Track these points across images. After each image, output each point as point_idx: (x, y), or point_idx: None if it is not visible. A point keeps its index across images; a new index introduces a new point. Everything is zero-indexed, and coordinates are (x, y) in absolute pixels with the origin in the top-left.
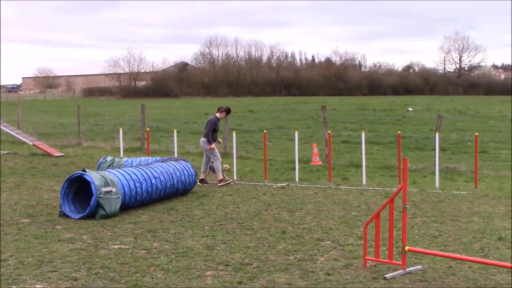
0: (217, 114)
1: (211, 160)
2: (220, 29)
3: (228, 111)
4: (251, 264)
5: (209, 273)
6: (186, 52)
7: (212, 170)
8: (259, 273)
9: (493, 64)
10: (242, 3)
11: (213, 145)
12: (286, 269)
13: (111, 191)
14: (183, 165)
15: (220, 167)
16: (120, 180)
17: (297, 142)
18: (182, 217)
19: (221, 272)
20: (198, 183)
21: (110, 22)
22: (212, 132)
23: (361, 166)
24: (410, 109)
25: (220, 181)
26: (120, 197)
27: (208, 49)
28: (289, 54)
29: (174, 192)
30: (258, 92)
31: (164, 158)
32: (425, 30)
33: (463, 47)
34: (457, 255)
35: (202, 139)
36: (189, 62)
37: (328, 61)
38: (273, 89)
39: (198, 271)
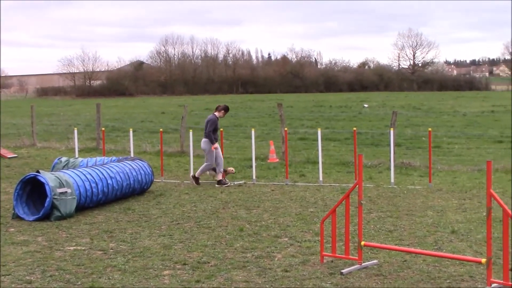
0: (216, 113)
1: (208, 160)
2: (175, 28)
3: (226, 109)
4: (208, 263)
5: (166, 272)
6: (142, 51)
7: (214, 170)
8: (217, 271)
9: (446, 61)
10: (197, 2)
11: (217, 145)
12: (243, 267)
13: (66, 192)
14: (139, 165)
15: (208, 169)
16: (75, 180)
17: (254, 140)
18: (139, 216)
19: (179, 271)
20: (216, 185)
21: (62, 21)
22: (213, 132)
23: (318, 162)
24: (366, 105)
25: (196, 179)
26: (75, 198)
27: (164, 47)
28: (245, 52)
29: (131, 191)
30: (214, 90)
31: (120, 157)
32: (379, 27)
33: (417, 44)
34: (412, 249)
35: (204, 139)
36: (145, 61)
37: (284, 58)
38: (230, 87)
39: (155, 270)
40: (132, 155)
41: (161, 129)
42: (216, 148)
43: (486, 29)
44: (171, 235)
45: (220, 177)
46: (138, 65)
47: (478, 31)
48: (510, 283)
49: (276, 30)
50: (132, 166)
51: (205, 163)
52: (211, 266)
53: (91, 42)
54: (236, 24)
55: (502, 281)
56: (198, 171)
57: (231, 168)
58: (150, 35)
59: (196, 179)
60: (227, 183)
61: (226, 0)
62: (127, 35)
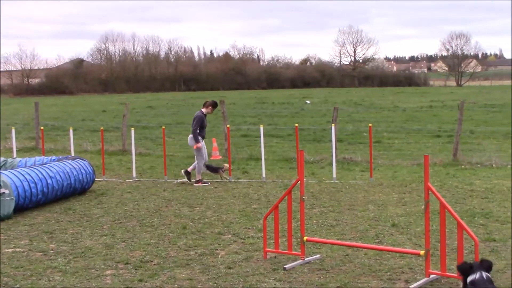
0: (203, 110)
1: (197, 158)
2: (115, 25)
3: (214, 104)
4: (151, 261)
5: (108, 272)
6: (82, 48)
7: (211, 169)
8: (160, 269)
9: (386, 57)
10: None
11: (200, 144)
12: (187, 265)
13: (3, 193)
14: (80, 164)
15: (202, 168)
16: (13, 181)
17: None
18: (80, 216)
19: (121, 270)
20: (195, 184)
21: None
22: (199, 129)
23: (261, 159)
24: (308, 101)
25: (198, 181)
26: (14, 199)
27: (105, 45)
28: (188, 49)
29: (72, 191)
30: (157, 88)
31: (61, 157)
32: (321, 24)
33: (357, 41)
34: (354, 243)
35: (190, 136)
36: (85, 58)
37: (227, 55)
38: (172, 84)
39: (97, 270)
40: (72, 154)
41: (102, 128)
42: (198, 147)
43: (423, 27)
44: (113, 234)
45: (198, 177)
46: (78, 63)
47: (415, 28)
48: (447, 273)
49: (217, 27)
50: (72, 166)
51: (197, 163)
52: (154, 264)
53: (28, 39)
54: (177, 21)
55: (440, 272)
56: (196, 173)
57: (226, 165)
58: (89, 32)
59: (198, 181)
60: (207, 183)
61: None
62: (66, 32)
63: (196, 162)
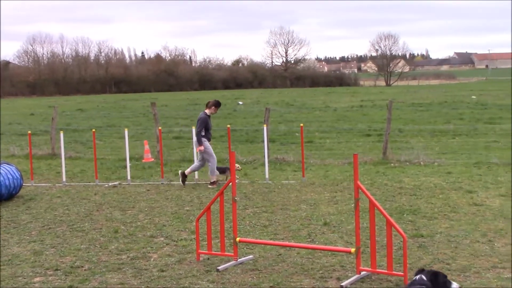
0: (207, 111)
1: (209, 160)
2: (42, 26)
3: (217, 104)
4: (82, 267)
5: (37, 279)
6: (8, 50)
7: (219, 170)
8: (91, 275)
9: (317, 57)
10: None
11: (203, 147)
12: (118, 269)
13: None
14: (7, 169)
15: (215, 168)
16: None
17: (128, 140)
18: (7, 223)
19: (50, 277)
20: (182, 183)
21: None
22: (204, 131)
23: (193, 161)
24: (240, 102)
25: (213, 183)
26: None
27: (32, 46)
28: (118, 51)
29: None
30: (87, 90)
31: None
32: (252, 25)
33: (288, 41)
34: (286, 243)
35: (194, 139)
36: (11, 61)
37: (158, 57)
38: (103, 86)
39: (25, 278)
40: None
41: (29, 131)
42: (200, 150)
43: (352, 27)
44: (42, 240)
45: (187, 172)
46: (4, 65)
47: (346, 29)
48: (377, 270)
49: (148, 28)
50: None
51: (209, 164)
52: (85, 270)
53: None
54: (106, 22)
55: (370, 269)
56: (211, 175)
57: (238, 165)
58: (14, 33)
59: (212, 183)
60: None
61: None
62: None
63: (195, 164)
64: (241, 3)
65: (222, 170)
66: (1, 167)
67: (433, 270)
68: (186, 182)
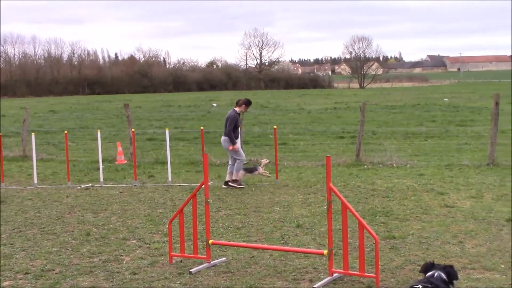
0: (236, 109)
1: (236, 159)
2: (12, 26)
3: (247, 103)
4: (53, 270)
5: (6, 283)
6: None
7: (247, 171)
8: (62, 278)
9: (291, 60)
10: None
11: (237, 146)
12: (90, 272)
13: None
14: None
15: (242, 167)
16: None
17: (100, 142)
18: None
19: (20, 281)
20: (223, 186)
21: None
22: (233, 130)
23: (167, 163)
24: (215, 104)
25: (235, 181)
26: None
27: (3, 47)
28: (92, 52)
29: None
30: (59, 91)
31: None
32: (226, 26)
33: (263, 43)
34: (259, 245)
35: (224, 137)
36: None
37: (132, 58)
38: (76, 87)
39: None
40: None
41: (0, 133)
42: (234, 149)
43: (326, 30)
44: (12, 243)
45: (228, 178)
46: None
47: (320, 32)
48: (350, 271)
49: (121, 29)
50: None
51: (236, 163)
52: (56, 273)
53: None
54: (79, 23)
55: (342, 270)
56: (235, 173)
57: (266, 160)
58: None
59: (234, 181)
60: (242, 185)
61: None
62: None
63: (230, 166)
64: (215, 3)
65: (249, 170)
66: None
67: (447, 266)
68: (241, 184)
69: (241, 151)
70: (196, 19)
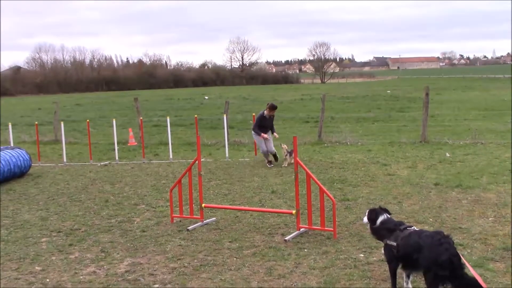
0: (265, 112)
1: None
2: (41, 39)
3: (271, 107)
4: (80, 229)
5: (44, 239)
6: (19, 58)
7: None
8: (87, 235)
9: (267, 61)
10: (57, 17)
11: (265, 135)
12: (109, 230)
13: None
14: (18, 152)
15: (264, 154)
16: None
17: (115, 128)
18: (19, 195)
19: (55, 238)
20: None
21: None
22: (259, 127)
23: (168, 144)
24: (206, 97)
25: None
26: None
27: (38, 54)
28: (108, 57)
29: (12, 175)
30: (83, 89)
31: (2, 147)
32: (211, 36)
33: (244, 48)
34: (242, 207)
35: (253, 132)
36: (22, 66)
37: (140, 62)
38: (96, 86)
39: (34, 239)
40: (12, 144)
41: (36, 122)
42: (264, 138)
43: (291, 38)
44: (48, 209)
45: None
46: (17, 70)
47: (287, 39)
48: (313, 227)
49: (128, 40)
50: (12, 154)
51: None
52: (82, 232)
53: None
54: (94, 35)
55: (307, 226)
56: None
57: (285, 145)
58: (23, 44)
59: (269, 162)
60: (271, 165)
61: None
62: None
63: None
64: (201, 19)
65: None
66: (14, 151)
67: (382, 208)
68: (270, 164)
69: (261, 142)
70: (186, 31)
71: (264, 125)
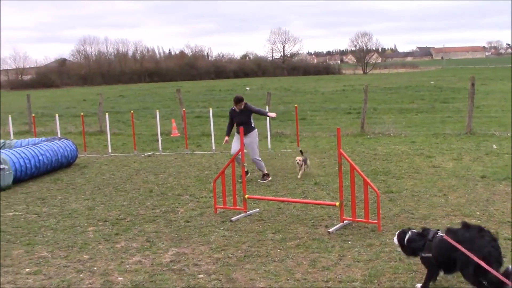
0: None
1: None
2: (81, 31)
3: (235, 100)
4: (125, 219)
5: (91, 228)
6: (64, 50)
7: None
8: (132, 225)
9: (308, 52)
10: (91, 9)
11: (226, 138)
12: (153, 220)
13: (3, 168)
14: (65, 143)
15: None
16: (11, 158)
17: (159, 119)
18: (66, 185)
19: (101, 227)
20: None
21: None
22: (230, 124)
23: (211, 135)
24: (248, 88)
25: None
26: (12, 173)
27: (83, 47)
28: (150, 49)
29: (59, 165)
30: (126, 81)
31: (49, 138)
32: (252, 27)
33: (285, 39)
34: (285, 198)
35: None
36: (67, 58)
37: (182, 53)
38: (139, 77)
39: (81, 227)
40: (59, 135)
41: (82, 113)
42: (225, 140)
43: (331, 28)
44: (94, 198)
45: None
46: (62, 62)
47: (325, 30)
48: (357, 219)
49: (169, 31)
50: (59, 144)
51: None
52: (127, 221)
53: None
54: (135, 27)
55: (351, 218)
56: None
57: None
58: (68, 37)
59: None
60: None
61: (115, 7)
62: (42, 38)
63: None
64: (242, 9)
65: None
66: (61, 142)
67: (405, 229)
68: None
69: (232, 145)
70: (227, 22)
71: (237, 121)
